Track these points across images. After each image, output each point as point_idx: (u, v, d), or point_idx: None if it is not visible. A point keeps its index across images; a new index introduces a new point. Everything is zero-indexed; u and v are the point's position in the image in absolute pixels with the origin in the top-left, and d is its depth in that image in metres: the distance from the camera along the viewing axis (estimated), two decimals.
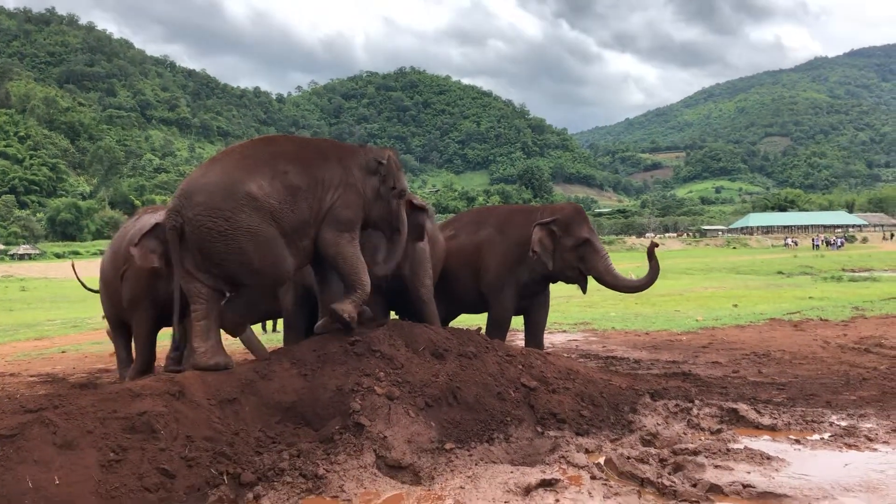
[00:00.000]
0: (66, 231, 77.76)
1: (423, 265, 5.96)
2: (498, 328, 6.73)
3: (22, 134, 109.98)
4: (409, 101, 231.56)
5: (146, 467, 3.43)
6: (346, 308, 4.74)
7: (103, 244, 56.16)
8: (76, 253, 59.94)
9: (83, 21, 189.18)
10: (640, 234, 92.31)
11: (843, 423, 4.93)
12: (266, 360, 4.75)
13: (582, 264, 6.53)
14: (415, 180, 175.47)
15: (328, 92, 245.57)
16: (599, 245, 6.60)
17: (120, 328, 6.17)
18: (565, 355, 7.02)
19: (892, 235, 74.20)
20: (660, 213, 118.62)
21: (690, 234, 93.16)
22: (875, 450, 4.37)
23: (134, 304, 5.56)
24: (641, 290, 6.83)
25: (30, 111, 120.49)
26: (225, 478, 3.60)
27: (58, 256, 61.68)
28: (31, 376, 7.50)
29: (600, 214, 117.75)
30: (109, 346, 8.03)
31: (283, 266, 4.56)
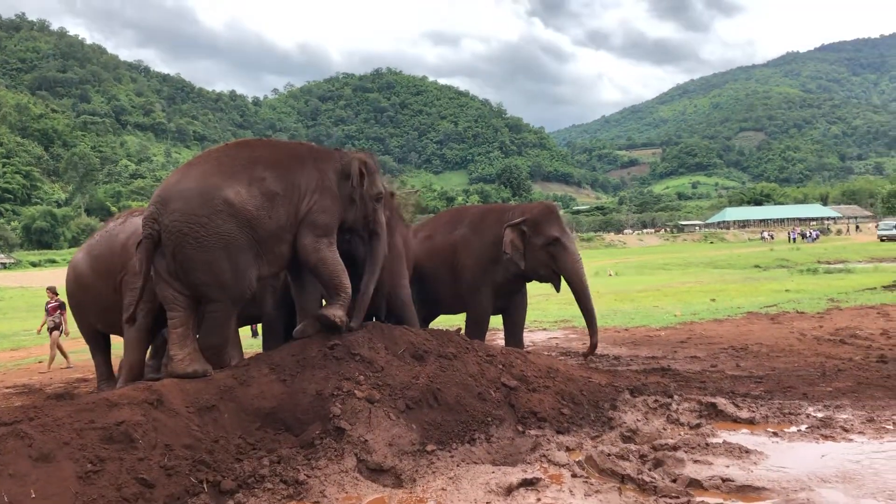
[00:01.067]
0: (41, 239, 76.73)
1: (401, 266, 5.99)
2: (477, 328, 6.73)
3: None
4: (387, 103, 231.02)
5: (125, 477, 3.40)
6: (337, 313, 4.78)
7: None
8: (52, 261, 59.17)
9: (54, 27, 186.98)
10: (619, 231, 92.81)
11: (820, 415, 4.99)
12: (245, 365, 4.71)
13: (553, 263, 6.54)
14: (394, 181, 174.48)
15: (305, 94, 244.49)
16: (571, 244, 6.61)
17: (96, 340, 6.01)
18: (546, 353, 7.05)
19: (857, 227, 75.49)
20: (637, 210, 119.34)
21: (668, 229, 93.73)
22: (851, 440, 4.43)
23: (128, 311, 5.28)
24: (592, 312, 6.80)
25: (2, 119, 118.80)
26: (205, 486, 3.58)
27: (34, 265, 60.82)
28: (7, 387, 7.41)
29: (578, 212, 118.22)
30: (87, 356, 7.93)
31: (247, 282, 4.49)
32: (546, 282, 6.79)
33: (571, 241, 6.68)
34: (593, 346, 6.73)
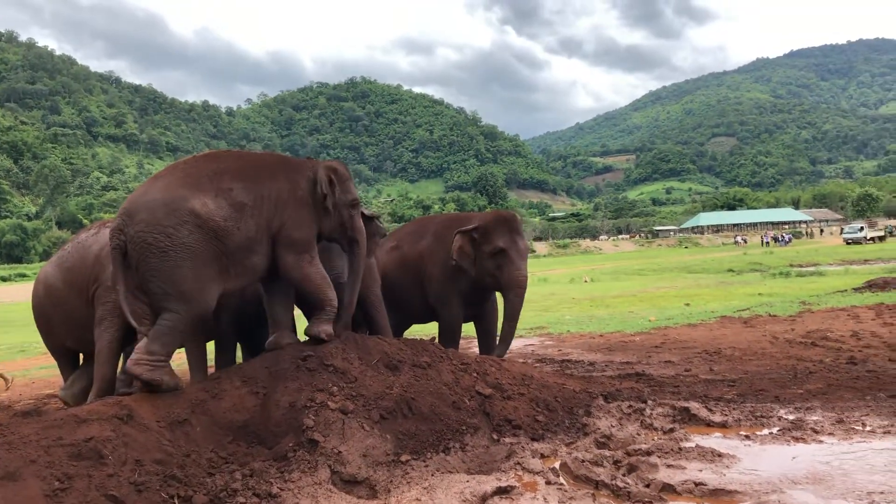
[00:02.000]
0: (11, 253, 75.65)
1: (374, 276, 6.01)
2: (449, 337, 6.72)
3: None
4: (361, 111, 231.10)
5: (93, 495, 3.34)
6: (323, 328, 4.83)
7: None
8: (23, 275, 58.31)
9: (23, 38, 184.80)
10: (594, 237, 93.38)
11: (791, 417, 5.05)
12: (216, 378, 4.67)
13: (498, 273, 6.38)
14: (369, 190, 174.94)
15: (278, 104, 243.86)
16: (517, 257, 6.38)
17: (65, 355, 5.83)
18: (521, 360, 7.06)
19: (821, 231, 77.14)
20: (612, 216, 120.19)
21: (643, 235, 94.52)
22: (821, 442, 4.49)
23: (101, 324, 5.12)
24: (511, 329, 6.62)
25: None
26: (176, 501, 3.53)
27: (3, 280, 59.92)
28: None
29: (554, 219, 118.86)
30: (57, 371, 7.80)
31: (208, 295, 4.41)
32: (496, 290, 6.69)
33: (520, 253, 6.45)
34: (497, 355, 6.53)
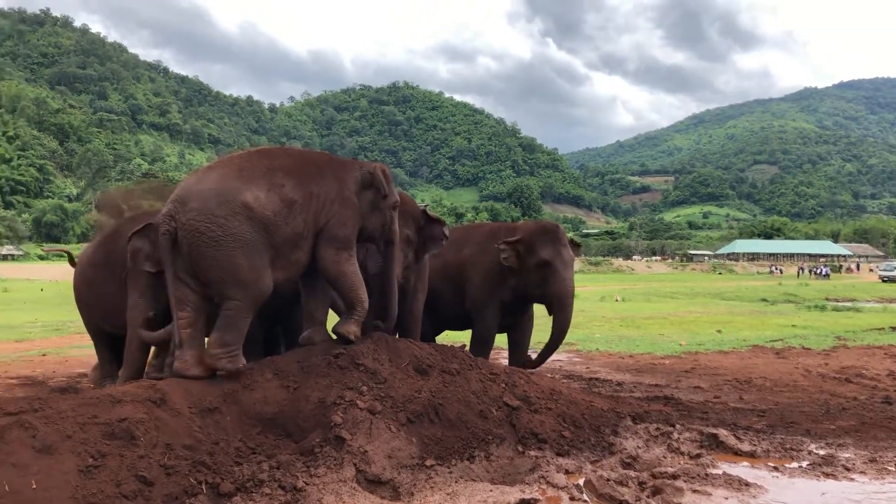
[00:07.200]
0: (50, 233, 77.26)
1: (424, 282, 6.04)
2: (482, 345, 6.73)
3: (11, 134, 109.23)
4: (402, 116, 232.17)
5: (124, 474, 3.41)
6: (351, 329, 4.85)
7: None
8: (60, 255, 59.45)
9: (77, 23, 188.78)
10: (628, 257, 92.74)
11: (822, 452, 4.96)
12: (249, 369, 4.72)
13: (544, 286, 6.37)
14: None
15: (321, 103, 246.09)
16: (563, 269, 6.33)
17: (102, 338, 5.97)
18: (549, 375, 7.03)
19: (857, 266, 75.76)
20: (647, 236, 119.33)
21: (677, 258, 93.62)
22: (852, 479, 4.41)
23: (133, 308, 5.25)
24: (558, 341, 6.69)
25: (20, 111, 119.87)
26: (203, 487, 3.58)
27: (41, 258, 61.17)
28: (11, 378, 7.43)
29: (588, 235, 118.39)
30: (91, 351, 7.95)
31: (264, 281, 4.51)
32: (540, 303, 6.69)
33: (566, 264, 6.40)
34: (535, 364, 6.67)
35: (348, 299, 4.89)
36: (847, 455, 4.91)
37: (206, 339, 4.67)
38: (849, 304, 23.70)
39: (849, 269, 72.64)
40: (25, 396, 4.94)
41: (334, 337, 5.00)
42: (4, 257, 62.72)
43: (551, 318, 6.62)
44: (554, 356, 9.99)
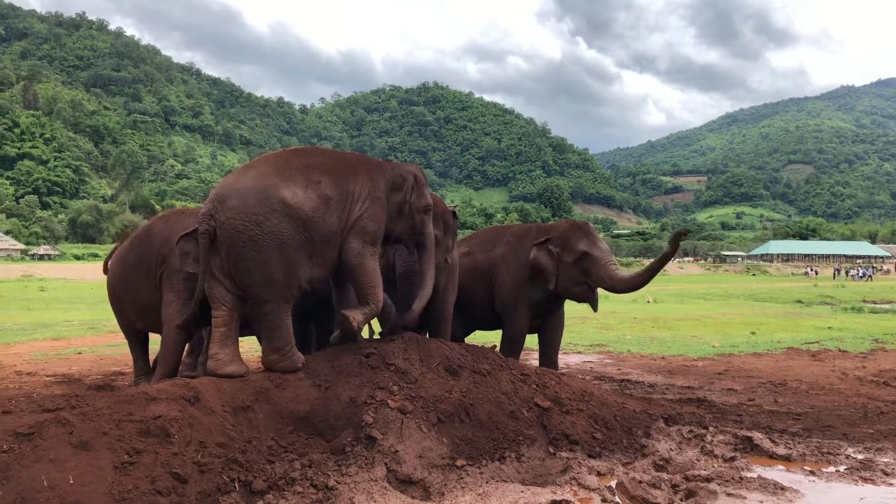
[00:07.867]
0: (86, 233, 78.49)
1: (454, 281, 6.04)
2: (512, 346, 6.71)
3: (48, 136, 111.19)
4: (431, 116, 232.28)
5: (159, 471, 3.45)
6: (356, 316, 4.76)
7: None
8: (95, 255, 60.42)
9: (112, 26, 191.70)
10: None
11: (860, 456, 4.87)
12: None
13: (588, 278, 6.39)
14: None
15: (351, 104, 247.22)
16: (599, 254, 6.35)
17: (136, 337, 6.03)
18: (580, 376, 6.99)
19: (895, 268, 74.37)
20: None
21: (710, 259, 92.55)
22: (892, 484, 4.32)
23: (168, 307, 5.29)
24: (638, 286, 6.45)
25: (56, 113, 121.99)
26: (236, 485, 3.61)
27: (77, 258, 62.20)
28: (48, 376, 7.57)
29: (619, 236, 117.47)
30: (125, 349, 8.05)
31: (297, 280, 4.55)
32: (582, 301, 6.64)
33: (604, 252, 6.40)
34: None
35: (363, 294, 4.82)
36: (886, 459, 4.81)
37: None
38: (887, 306, 23.24)
39: (886, 272, 71.24)
40: (62, 394, 5.02)
41: (364, 336, 5.01)
42: (42, 257, 63.84)
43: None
44: (584, 357, 9.97)
